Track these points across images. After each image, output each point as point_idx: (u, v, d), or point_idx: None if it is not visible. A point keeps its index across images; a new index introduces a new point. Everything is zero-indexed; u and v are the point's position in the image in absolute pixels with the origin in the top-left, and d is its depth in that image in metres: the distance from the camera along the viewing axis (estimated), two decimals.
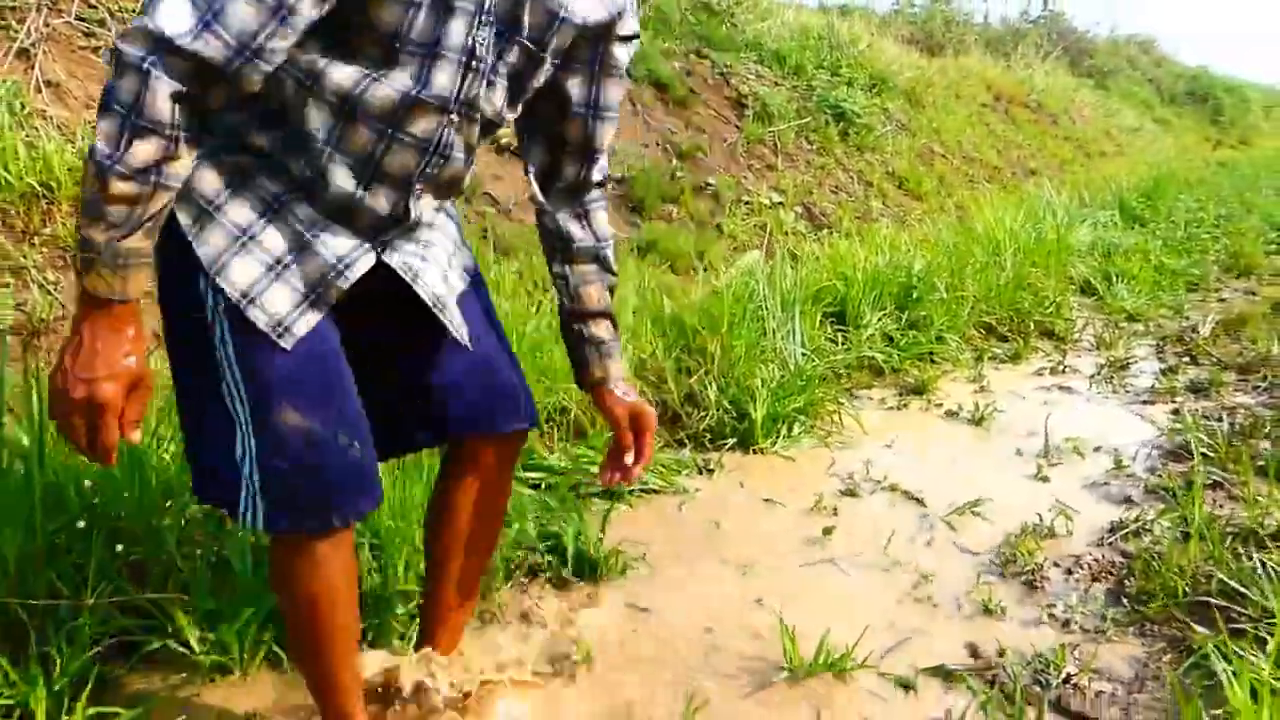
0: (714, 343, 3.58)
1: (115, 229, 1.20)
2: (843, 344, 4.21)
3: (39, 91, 3.49)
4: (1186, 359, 4.75)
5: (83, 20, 3.74)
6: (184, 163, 1.24)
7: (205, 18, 1.18)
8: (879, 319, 4.42)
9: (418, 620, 1.93)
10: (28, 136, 3.20)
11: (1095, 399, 4.16)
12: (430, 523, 1.82)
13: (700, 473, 3.16)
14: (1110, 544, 2.73)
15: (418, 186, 1.46)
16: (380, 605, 2.05)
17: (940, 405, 3.95)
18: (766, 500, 2.98)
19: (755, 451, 3.34)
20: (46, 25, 3.60)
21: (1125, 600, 2.41)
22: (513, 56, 1.45)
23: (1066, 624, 2.32)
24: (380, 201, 1.43)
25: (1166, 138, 17.45)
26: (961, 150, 9.36)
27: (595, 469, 2.86)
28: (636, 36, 1.60)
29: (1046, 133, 12.01)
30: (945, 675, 2.09)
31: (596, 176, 1.66)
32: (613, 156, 5.34)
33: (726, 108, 6.75)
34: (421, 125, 1.40)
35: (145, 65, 1.16)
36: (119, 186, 1.18)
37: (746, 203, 5.87)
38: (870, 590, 2.47)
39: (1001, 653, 2.16)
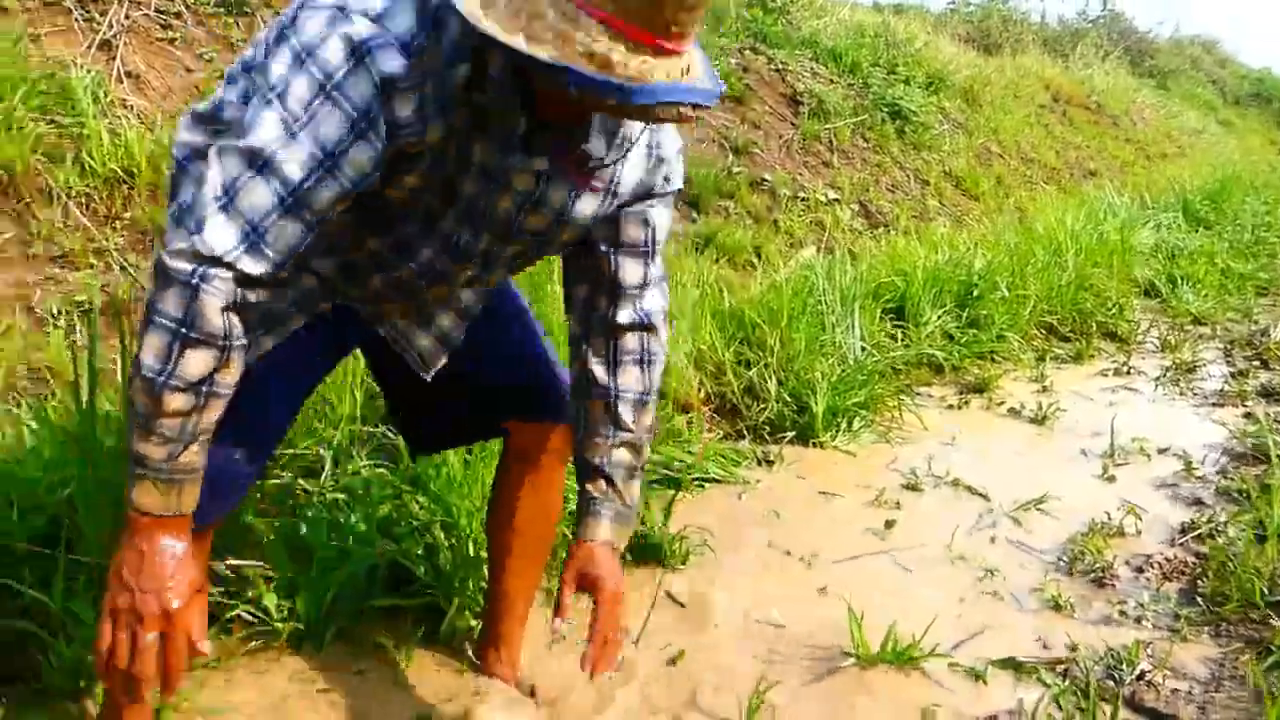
0: (773, 336, 3.58)
1: (170, 444, 1.17)
2: (902, 340, 4.18)
3: (120, 81, 3.58)
4: (1257, 363, 4.64)
5: (161, 13, 3.84)
6: (235, 369, 1.21)
7: (251, 237, 1.16)
8: (939, 316, 4.38)
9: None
10: (110, 124, 3.29)
11: (1161, 401, 4.09)
12: (489, 518, 1.90)
13: (760, 464, 3.16)
14: (1182, 544, 2.68)
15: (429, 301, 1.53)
16: (454, 579, 2.08)
17: (1002, 404, 3.90)
18: (827, 493, 2.97)
19: (815, 445, 3.33)
20: (127, 18, 3.70)
21: (1199, 600, 2.37)
22: (511, 249, 1.46)
23: (1139, 621, 2.28)
24: (395, 311, 1.53)
25: (1230, 140, 17.03)
26: (1019, 150, 9.23)
27: (657, 457, 2.89)
28: (678, 191, 1.52)
29: (1106, 134, 11.80)
30: (1015, 667, 2.07)
31: (624, 319, 1.51)
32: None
33: (782, 104, 6.73)
34: (434, 288, 1.48)
35: (194, 280, 1.14)
36: (173, 401, 1.15)
37: (803, 199, 5.84)
38: (935, 583, 2.46)
39: (1073, 648, 2.14)
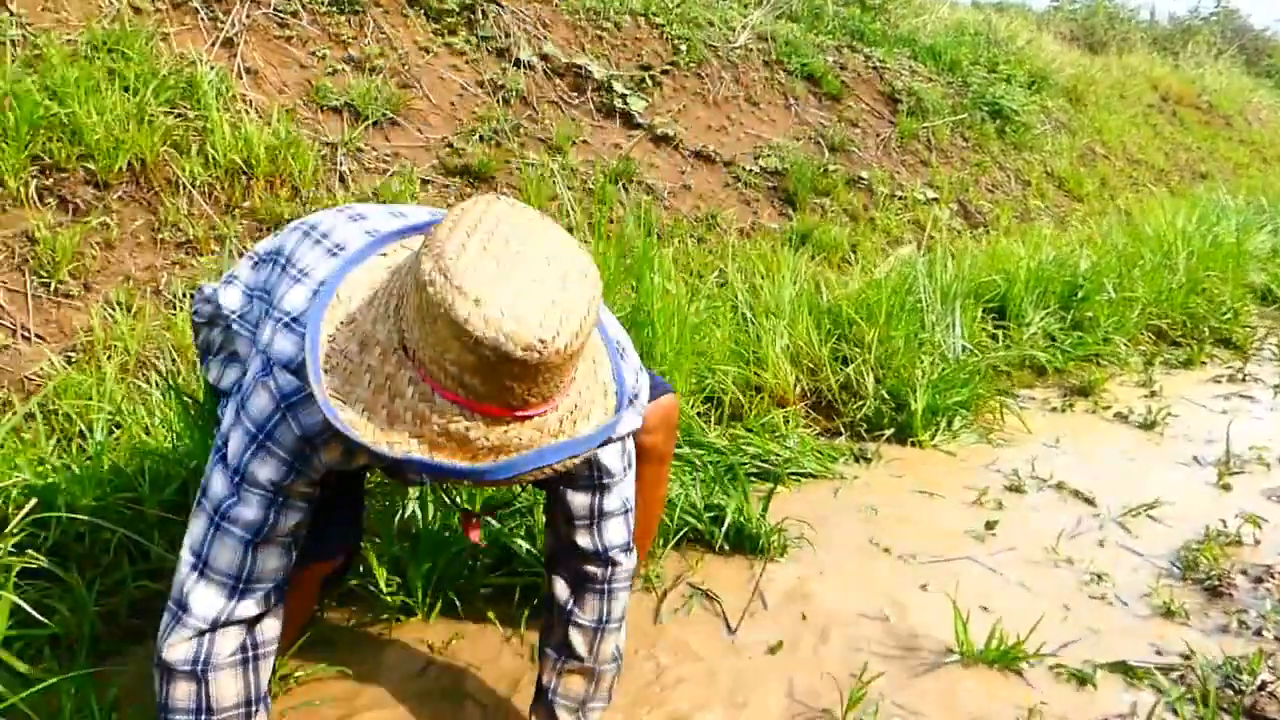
0: (871, 333, 3.54)
1: None
2: (1003, 341, 4.08)
3: (239, 77, 3.74)
4: None
5: (279, 12, 3.99)
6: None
7: (238, 588, 1.29)
8: (1041, 318, 4.27)
9: None
10: (231, 118, 3.43)
11: None
12: None
13: (856, 460, 3.13)
14: None
15: None
16: None
17: (1108, 408, 3.78)
18: (926, 492, 2.92)
19: (914, 444, 3.28)
20: (248, 17, 3.86)
21: None
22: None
23: (1259, 633, 2.19)
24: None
25: None
26: (1125, 151, 8.92)
27: (753, 450, 2.89)
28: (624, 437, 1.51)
29: (1219, 135, 11.31)
30: (1126, 671, 2.01)
31: (584, 544, 1.55)
32: (765, 153, 5.34)
33: (880, 102, 6.64)
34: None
35: (199, 666, 1.28)
36: None
37: (900, 197, 5.75)
38: (1039, 585, 2.40)
39: (1188, 655, 2.06)
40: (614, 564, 1.57)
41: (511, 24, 4.84)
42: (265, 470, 1.26)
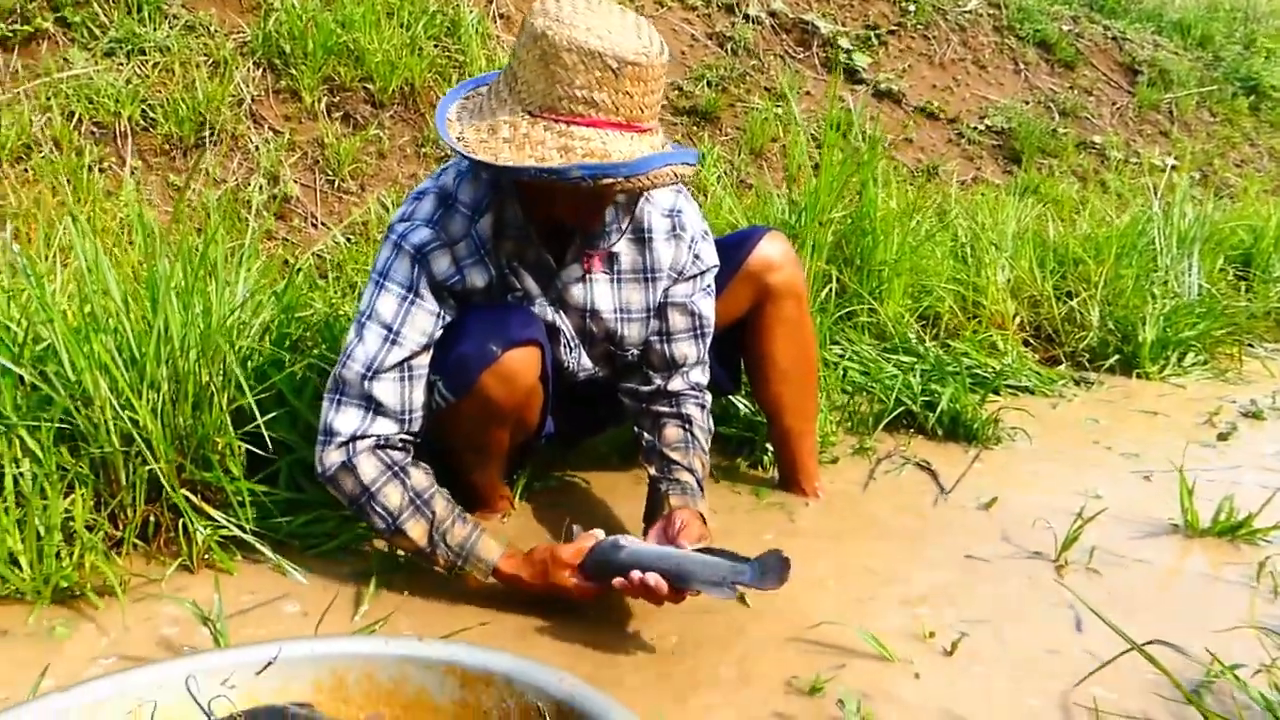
0: (1099, 271, 3.45)
1: (438, 548, 1.53)
2: (1246, 294, 3.85)
3: (494, 21, 4.11)
4: None
5: None
6: (416, 468, 1.58)
7: (369, 409, 1.55)
8: None
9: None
10: (487, 53, 3.79)
11: None
12: (751, 378, 2.05)
13: (1077, 385, 3.07)
14: None
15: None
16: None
17: None
18: (1152, 412, 2.84)
19: (1139, 376, 3.18)
20: None
21: None
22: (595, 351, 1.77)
23: None
24: None
25: None
26: None
27: (968, 362, 2.89)
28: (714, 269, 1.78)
29: None
30: None
31: (675, 386, 1.78)
32: (991, 112, 5.26)
33: (1117, 72, 6.36)
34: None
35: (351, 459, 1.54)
36: (412, 530, 1.53)
37: (1134, 163, 5.50)
38: (1274, 486, 2.29)
39: None
40: (691, 394, 1.79)
41: None
42: (384, 306, 1.56)
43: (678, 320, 1.75)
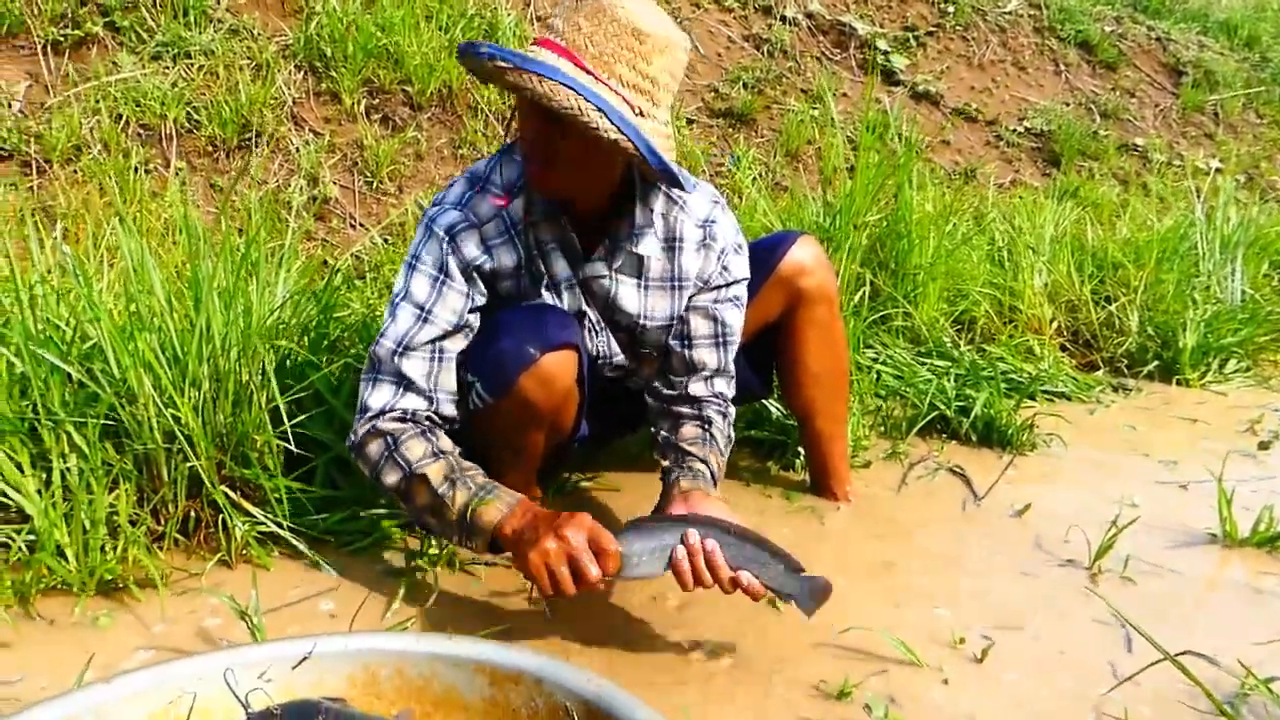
0: (1139, 276, 3.40)
1: (456, 489, 1.49)
2: None
3: (531, 24, 4.14)
4: None
5: None
6: (443, 434, 1.59)
7: (399, 384, 1.58)
8: None
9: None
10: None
11: None
12: (783, 381, 2.05)
13: (1115, 391, 3.04)
14: None
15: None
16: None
17: None
18: (1191, 419, 2.80)
19: (1179, 383, 3.13)
20: None
21: None
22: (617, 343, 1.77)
23: None
24: None
25: None
26: None
27: (1004, 366, 2.87)
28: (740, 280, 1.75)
29: None
30: None
31: (696, 390, 1.75)
32: (1030, 114, 5.20)
33: (1161, 74, 6.26)
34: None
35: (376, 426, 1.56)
36: (432, 473, 1.51)
37: (1178, 166, 5.42)
38: None
39: None
40: (724, 400, 1.78)
41: None
42: (433, 251, 1.60)
43: (700, 326, 1.74)
